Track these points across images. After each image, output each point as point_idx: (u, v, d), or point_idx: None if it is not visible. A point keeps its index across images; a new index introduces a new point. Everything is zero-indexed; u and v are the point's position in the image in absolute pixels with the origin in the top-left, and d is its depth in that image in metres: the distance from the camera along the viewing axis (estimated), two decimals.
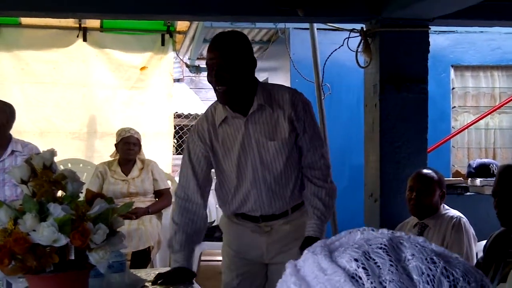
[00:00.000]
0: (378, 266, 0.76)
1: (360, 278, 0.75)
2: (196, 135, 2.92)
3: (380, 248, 0.78)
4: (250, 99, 2.83)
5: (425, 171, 3.94)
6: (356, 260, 0.77)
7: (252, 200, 2.91)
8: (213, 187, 3.09)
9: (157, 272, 2.85)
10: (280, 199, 2.94)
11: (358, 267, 0.76)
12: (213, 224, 5.52)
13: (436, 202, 3.86)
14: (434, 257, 0.76)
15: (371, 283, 0.75)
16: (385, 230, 0.85)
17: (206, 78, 2.96)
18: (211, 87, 2.87)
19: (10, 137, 4.65)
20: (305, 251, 0.85)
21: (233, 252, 3.04)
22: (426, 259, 0.76)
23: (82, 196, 2.28)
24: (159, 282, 2.75)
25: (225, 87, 2.74)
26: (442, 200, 3.91)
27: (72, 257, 2.06)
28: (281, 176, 2.91)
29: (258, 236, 2.97)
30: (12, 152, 4.59)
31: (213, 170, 3.02)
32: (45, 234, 1.97)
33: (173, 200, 3.04)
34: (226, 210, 3.05)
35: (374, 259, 0.77)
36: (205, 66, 7.49)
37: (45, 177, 2.19)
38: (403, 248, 0.79)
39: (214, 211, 6.12)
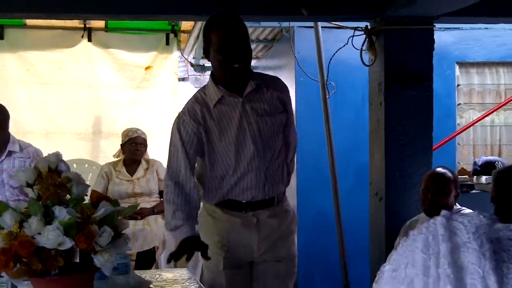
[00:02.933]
0: None
1: None
2: (187, 116, 2.92)
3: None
4: (246, 81, 2.90)
5: (441, 170, 3.90)
6: None
7: (248, 180, 2.93)
8: None
9: (169, 253, 2.80)
10: (274, 180, 2.99)
11: None
12: None
13: (451, 202, 3.84)
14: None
15: None
16: None
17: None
18: None
19: (8, 138, 4.56)
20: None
21: (222, 252, 2.99)
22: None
23: (87, 198, 2.29)
24: (174, 258, 2.73)
25: (242, 64, 2.81)
26: (456, 199, 3.89)
27: (77, 260, 2.07)
28: (278, 154, 2.99)
29: (248, 232, 2.98)
30: (10, 153, 4.51)
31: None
32: (50, 237, 1.98)
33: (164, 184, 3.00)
34: (212, 198, 3.01)
35: None
36: (209, 65, 7.42)
37: (50, 180, 2.19)
38: None
39: None
